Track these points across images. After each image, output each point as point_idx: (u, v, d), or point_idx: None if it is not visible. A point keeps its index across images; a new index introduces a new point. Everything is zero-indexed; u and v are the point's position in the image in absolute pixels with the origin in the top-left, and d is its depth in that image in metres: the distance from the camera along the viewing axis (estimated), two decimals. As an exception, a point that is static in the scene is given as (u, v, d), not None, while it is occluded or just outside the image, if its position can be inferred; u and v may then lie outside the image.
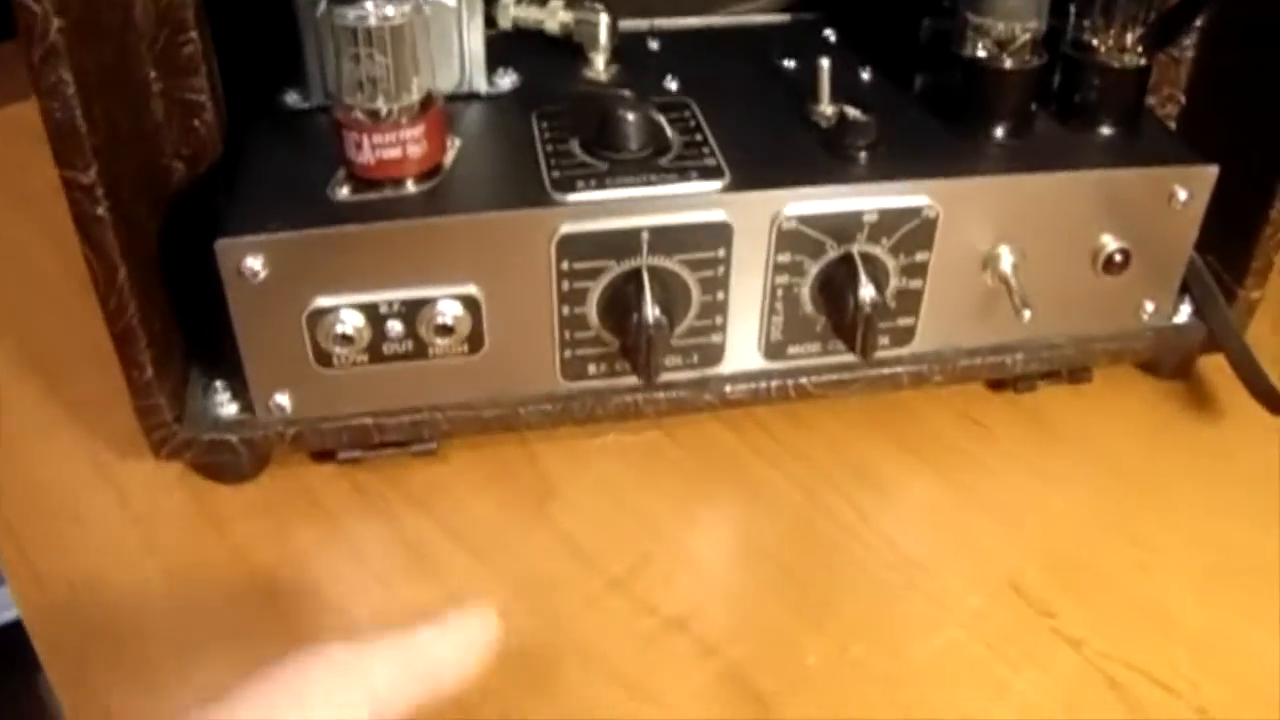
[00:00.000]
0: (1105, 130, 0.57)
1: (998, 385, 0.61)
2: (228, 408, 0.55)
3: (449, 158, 0.54)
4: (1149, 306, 0.59)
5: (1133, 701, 0.50)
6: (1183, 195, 0.56)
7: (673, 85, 0.59)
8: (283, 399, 0.54)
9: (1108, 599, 0.53)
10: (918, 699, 0.50)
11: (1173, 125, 0.63)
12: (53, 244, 0.70)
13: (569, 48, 0.62)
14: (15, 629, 1.07)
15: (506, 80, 0.59)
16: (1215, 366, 0.62)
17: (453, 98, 0.58)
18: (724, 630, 0.52)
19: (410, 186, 0.52)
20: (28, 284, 0.69)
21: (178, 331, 0.56)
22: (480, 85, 0.58)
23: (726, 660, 0.51)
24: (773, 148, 0.55)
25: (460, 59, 0.58)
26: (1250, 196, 0.58)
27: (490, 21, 0.60)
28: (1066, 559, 0.55)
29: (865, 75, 0.61)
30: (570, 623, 0.52)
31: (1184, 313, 0.61)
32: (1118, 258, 0.56)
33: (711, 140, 0.55)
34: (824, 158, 0.54)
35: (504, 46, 0.60)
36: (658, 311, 0.52)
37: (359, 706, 0.46)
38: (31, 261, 0.70)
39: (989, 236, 0.55)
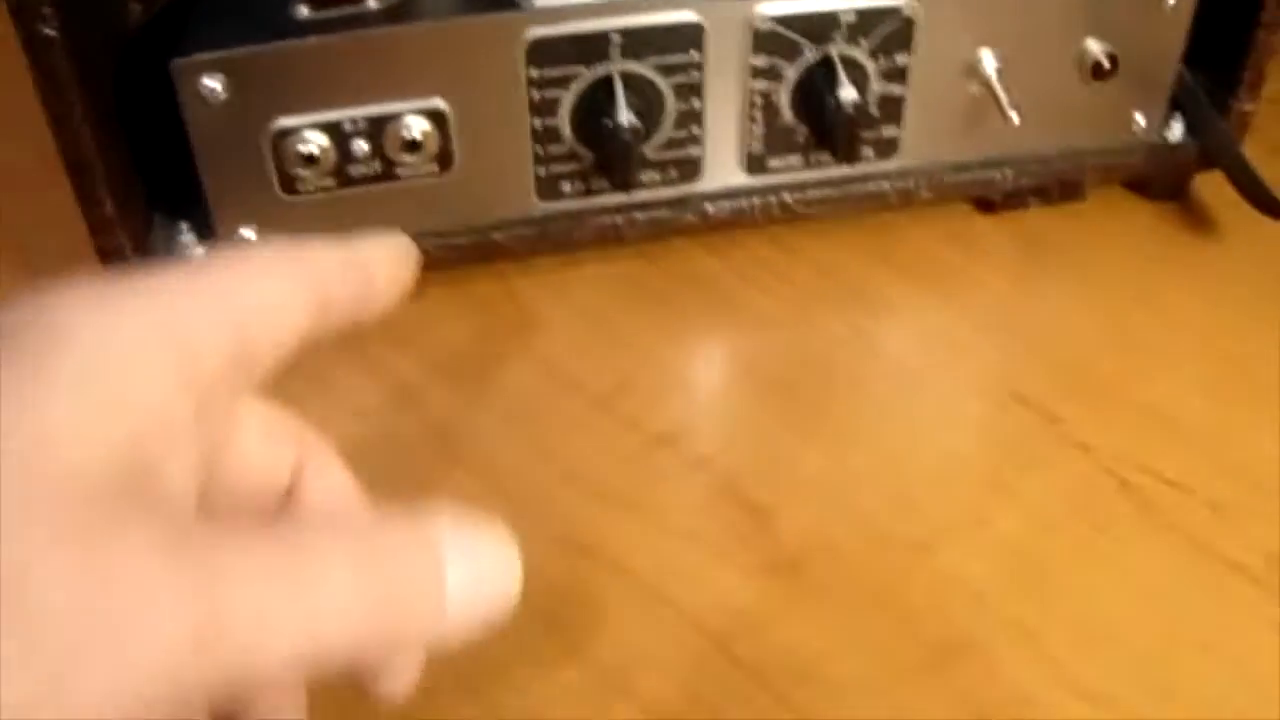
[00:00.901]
0: (1087, -74, 0.56)
1: (986, 207, 0.59)
2: (194, 248, 0.53)
3: (411, -30, 0.52)
4: (1140, 119, 0.57)
5: (1144, 500, 0.48)
6: (1171, -4, 0.54)
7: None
8: (249, 232, 0.52)
9: (1114, 405, 0.51)
10: (921, 504, 0.48)
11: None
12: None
13: None
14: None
15: (466, -98, 0.58)
16: (1209, 188, 0.60)
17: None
18: (714, 444, 0.50)
19: (371, 1, 0.50)
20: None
21: (138, 176, 0.54)
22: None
23: (718, 472, 0.49)
24: (744, -52, 0.54)
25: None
26: (1239, 5, 0.56)
27: None
28: (1069, 368, 0.53)
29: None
30: (556, 444, 0.50)
31: (1176, 130, 0.59)
32: (1105, 63, 0.54)
33: (681, -57, 0.53)
34: (799, -44, 0.53)
35: None
36: (632, 116, 0.50)
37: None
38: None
39: (970, 39, 0.53)
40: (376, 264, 0.37)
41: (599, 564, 0.46)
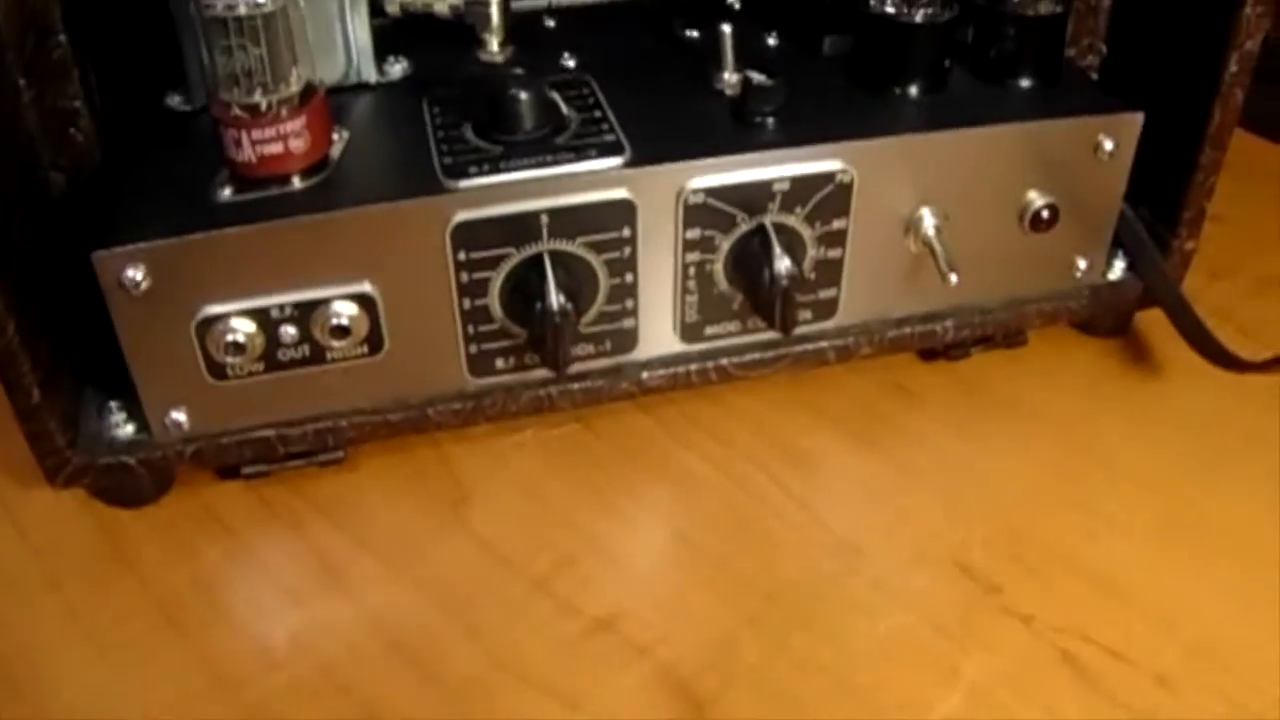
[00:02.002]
0: (1024, 83, 0.55)
1: (929, 355, 0.59)
2: (124, 428, 0.53)
3: (336, 150, 0.51)
4: (1081, 264, 0.57)
5: (1088, 675, 0.47)
6: (1109, 145, 0.53)
7: (571, 63, 0.57)
8: (179, 415, 0.51)
9: (1055, 570, 0.51)
10: (864, 687, 0.47)
11: (1095, 76, 0.61)
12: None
13: (462, 31, 0.59)
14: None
15: (397, 68, 0.57)
16: (1152, 320, 0.60)
17: (341, 89, 0.55)
18: (654, 629, 0.49)
19: (296, 183, 0.49)
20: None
21: (66, 352, 0.53)
22: (369, 75, 0.56)
23: (659, 661, 0.48)
24: (676, 120, 0.53)
25: (346, 49, 0.55)
26: (1177, 145, 0.56)
27: (377, 10, 0.57)
28: (1010, 530, 0.52)
29: (771, 41, 0.59)
30: (493, 631, 0.49)
31: (1118, 268, 0.58)
32: (1045, 214, 0.54)
33: (611, 116, 0.52)
34: (730, 127, 0.52)
35: (394, 34, 0.58)
36: (562, 298, 0.49)
37: None
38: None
39: (909, 199, 0.53)
40: None
41: (534, 762, 0.46)
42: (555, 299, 0.49)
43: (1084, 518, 0.53)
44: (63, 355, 0.53)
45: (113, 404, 0.53)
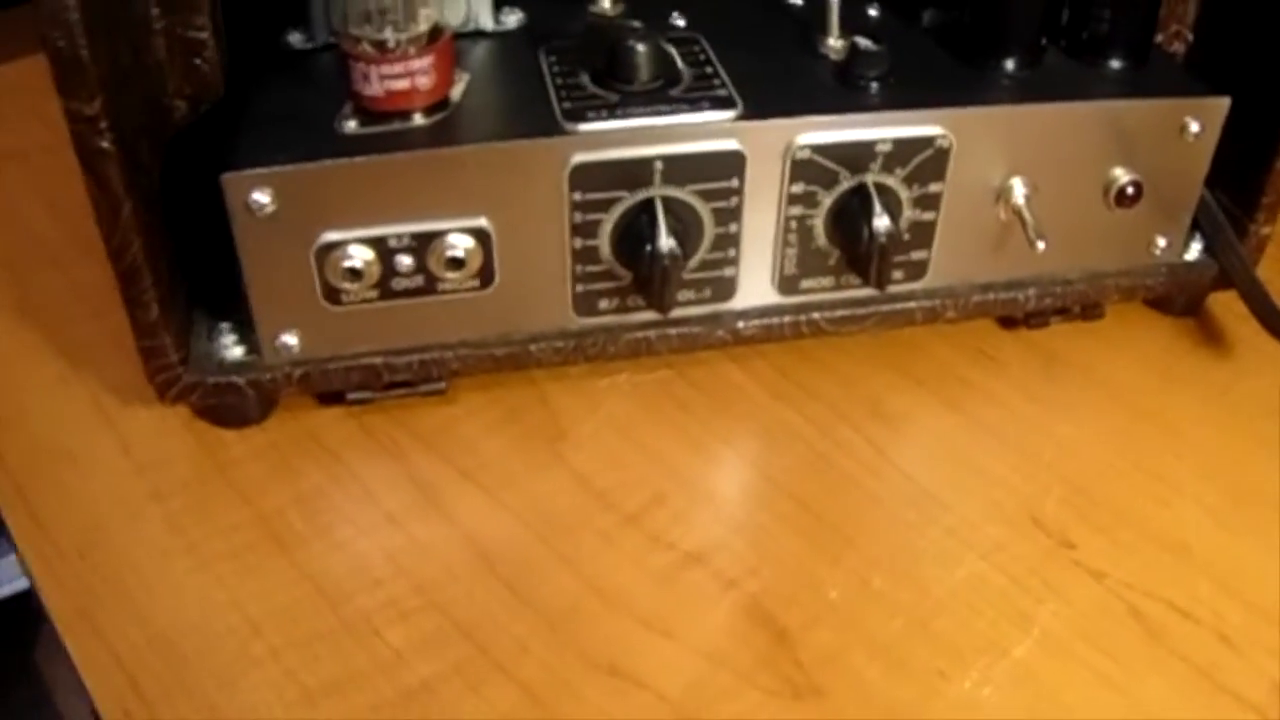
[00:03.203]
0: (1115, 64, 0.56)
1: (1009, 323, 0.61)
2: (233, 350, 0.54)
3: (457, 91, 0.53)
4: (1161, 242, 0.59)
5: (1156, 630, 0.49)
6: (1194, 127, 0.55)
7: (680, 22, 0.59)
8: (290, 339, 0.53)
9: (1126, 531, 0.53)
10: (942, 629, 0.49)
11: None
12: (42, 200, 0.69)
13: (576, -14, 0.61)
14: (11, 603, 1.06)
15: (512, 18, 0.58)
16: (1225, 303, 0.62)
17: (459, 36, 0.57)
18: (743, 564, 0.51)
19: (418, 119, 0.51)
20: (19, 239, 0.68)
21: (181, 275, 0.55)
22: (486, 23, 0.58)
23: (747, 593, 0.50)
24: (783, 80, 0.55)
25: (465, -5, 0.57)
26: (1258, 132, 0.57)
27: (494, -40, 0.60)
28: (1083, 492, 0.54)
29: (873, 11, 0.60)
30: (587, 560, 0.51)
31: (1195, 249, 0.60)
32: (1130, 190, 0.56)
33: (722, 72, 0.54)
34: (836, 88, 0.54)
35: (510, -16, 0.60)
36: (672, 242, 0.51)
37: None
38: (21, 216, 0.69)
39: (1001, 168, 0.55)
40: None
41: (628, 683, 0.47)
42: (665, 242, 0.51)
43: (1154, 485, 0.55)
44: (178, 277, 0.55)
45: (223, 326, 0.55)
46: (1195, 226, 0.60)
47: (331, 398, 0.57)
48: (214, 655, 0.48)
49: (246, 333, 0.54)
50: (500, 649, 0.48)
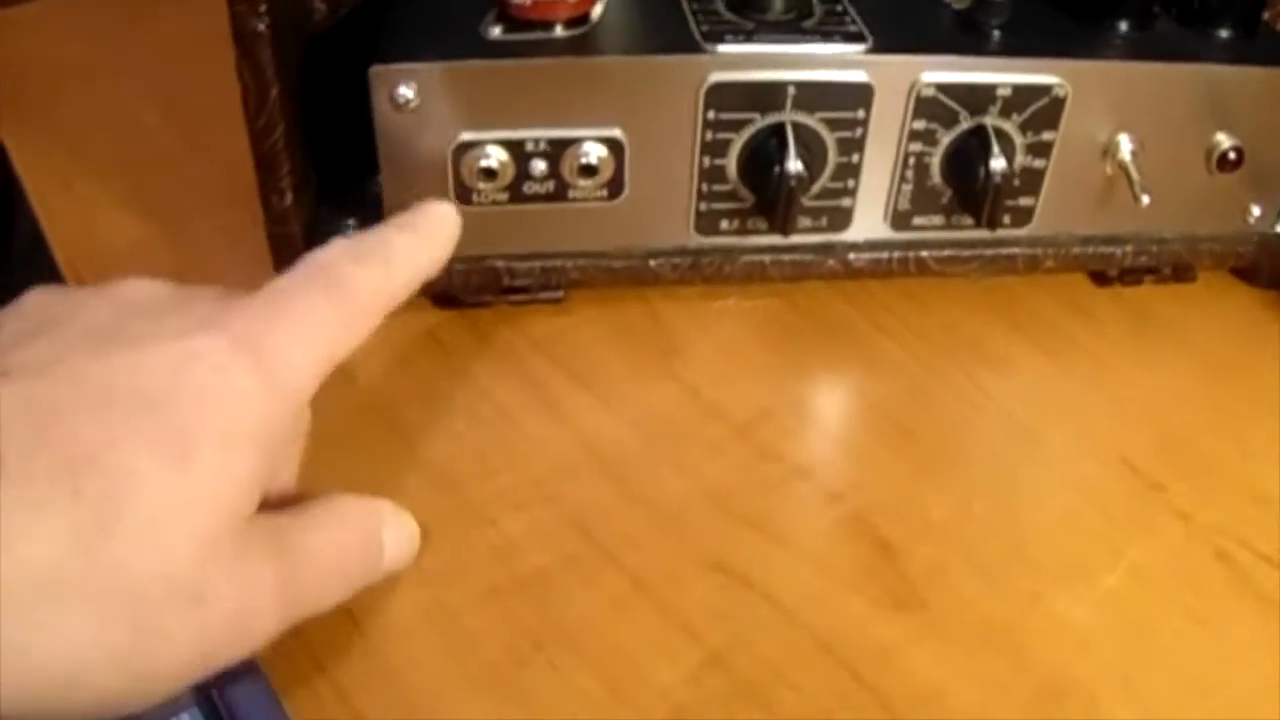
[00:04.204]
0: (1223, 33, 0.58)
1: (1102, 281, 0.63)
2: (359, 245, 0.56)
3: (597, 11, 0.55)
4: (1255, 210, 0.60)
5: (1239, 571, 0.51)
6: (1299, 98, 0.58)
7: (808, -37, 0.61)
8: (417, 234, 0.55)
9: (1214, 480, 0.54)
10: (1037, 556, 0.51)
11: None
12: (156, 105, 0.71)
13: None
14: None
15: (649, -52, 0.60)
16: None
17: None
18: (848, 480, 0.53)
19: (559, 30, 0.53)
20: (131, 140, 0.69)
21: (313, 170, 0.57)
22: (623, -50, 0.60)
23: (852, 508, 0.52)
24: (910, 22, 0.56)
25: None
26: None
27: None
28: (1172, 440, 0.56)
29: (991, -31, 0.62)
30: (696, 465, 0.53)
31: (1287, 222, 0.63)
32: (1232, 155, 0.58)
33: (851, 10, 0.56)
34: (960, 33, 0.56)
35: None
36: (800, 165, 0.53)
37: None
38: (134, 120, 0.71)
39: (1111, 123, 0.56)
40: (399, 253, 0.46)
41: (736, 581, 0.49)
42: (794, 164, 0.53)
43: (1241, 440, 0.56)
44: (310, 175, 0.56)
45: (350, 222, 0.56)
46: (1288, 200, 0.62)
47: (448, 301, 0.58)
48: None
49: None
50: (611, 542, 0.50)
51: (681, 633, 0.47)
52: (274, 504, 0.41)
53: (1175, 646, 0.48)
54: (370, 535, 0.44)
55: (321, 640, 0.46)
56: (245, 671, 0.41)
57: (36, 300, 0.43)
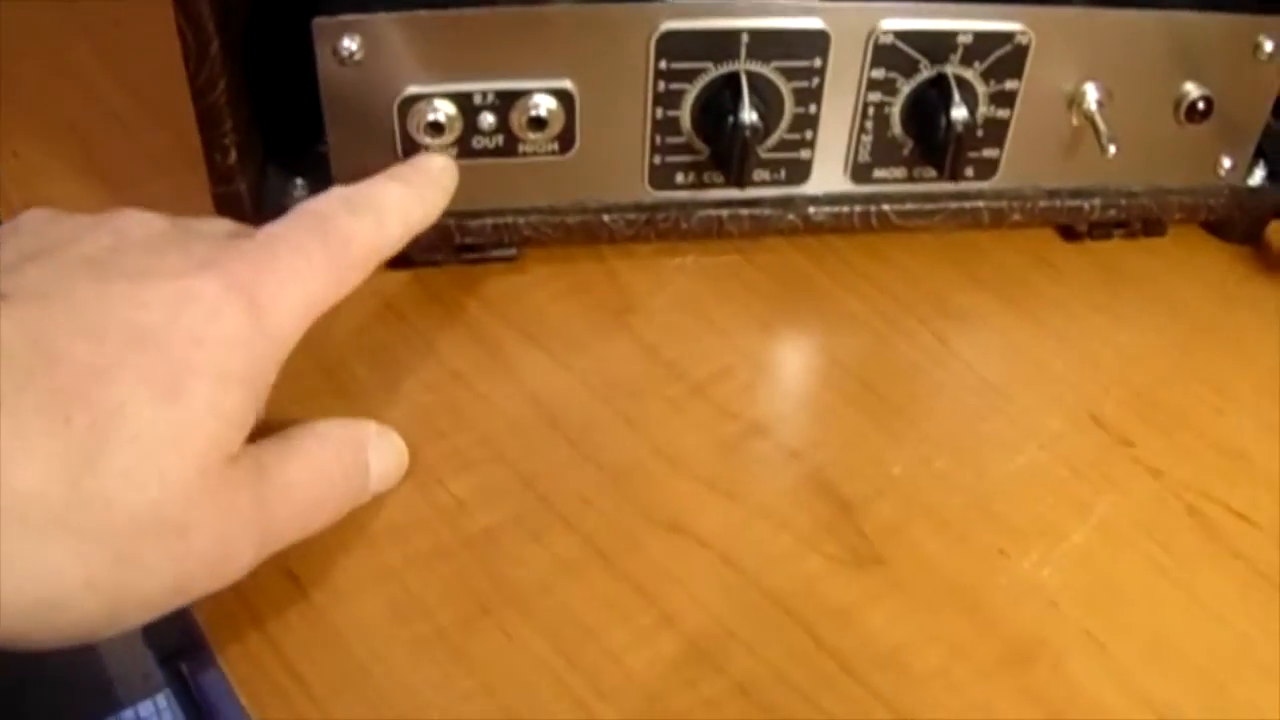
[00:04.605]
0: (1193, -18, 0.58)
1: (1071, 235, 0.61)
2: (305, 203, 0.55)
3: (545, -42, 0.54)
4: (1226, 163, 0.59)
5: (1211, 528, 0.50)
6: (1269, 46, 0.56)
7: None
8: (366, 193, 0.54)
9: (1184, 435, 0.53)
10: (1003, 511, 0.49)
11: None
12: (111, 71, 0.69)
13: None
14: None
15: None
16: (1284, 234, 0.63)
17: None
18: (807, 437, 0.52)
19: (509, -23, 0.52)
20: (86, 105, 0.68)
21: (260, 133, 0.55)
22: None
23: (811, 465, 0.51)
24: (869, -33, 0.55)
25: None
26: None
27: None
28: (1142, 395, 0.55)
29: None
30: (652, 423, 0.52)
31: (1258, 175, 0.61)
32: (1200, 105, 0.56)
33: (808, -44, 0.55)
34: (920, -21, 0.55)
35: None
36: (755, 115, 0.52)
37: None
38: (89, 85, 0.69)
39: (1076, 72, 0.55)
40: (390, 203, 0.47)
41: (691, 541, 0.48)
42: (748, 114, 0.52)
43: (1213, 394, 0.55)
44: (256, 133, 0.55)
45: (298, 181, 0.55)
46: (1260, 154, 0.60)
47: (399, 262, 0.56)
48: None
49: (321, 188, 0.54)
50: (563, 501, 0.49)
51: (635, 594, 0.46)
52: (251, 436, 0.42)
53: (1146, 604, 0.47)
54: (354, 460, 0.45)
55: (264, 603, 0.45)
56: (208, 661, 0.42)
57: (35, 220, 0.43)
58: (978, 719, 0.43)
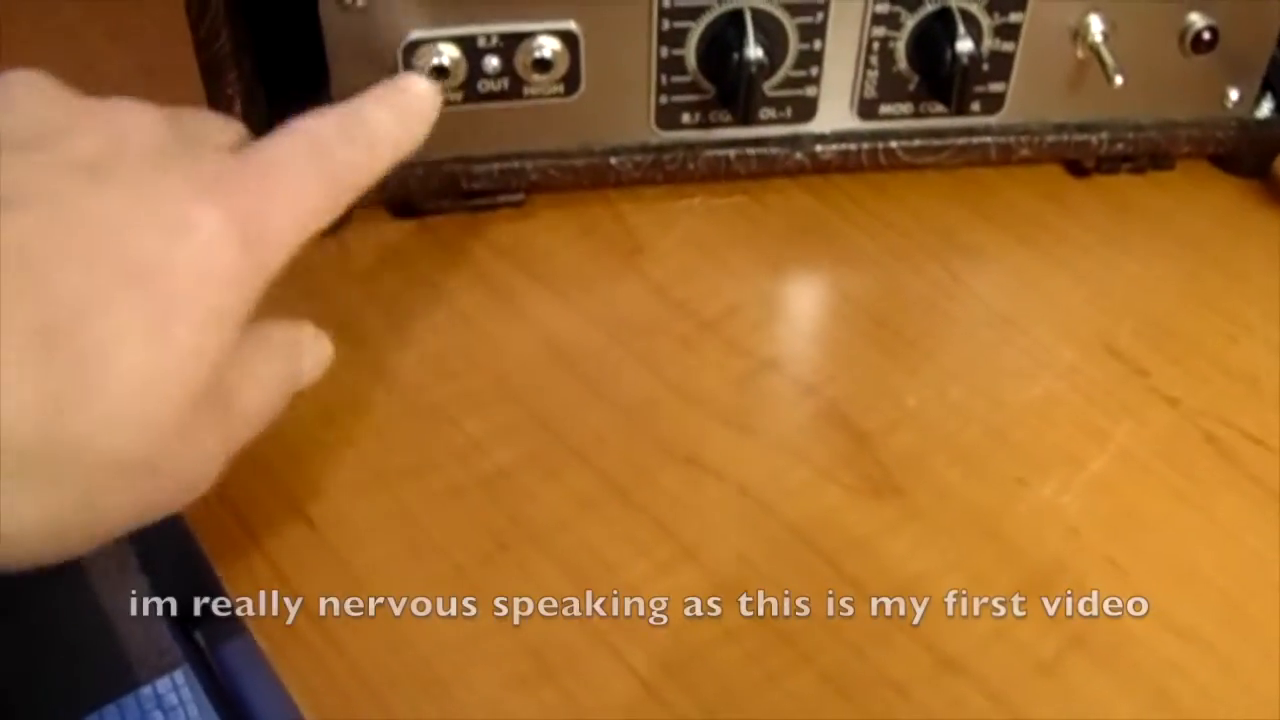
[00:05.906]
0: (1196, -94, 0.57)
1: (1079, 171, 0.61)
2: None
3: (546, -102, 0.53)
4: (1233, 94, 0.59)
5: (1228, 453, 0.49)
6: (1273, -25, 0.56)
7: None
8: (370, 140, 0.53)
9: (1199, 363, 0.53)
10: (1020, 440, 0.49)
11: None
12: (103, 29, 0.69)
13: None
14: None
15: None
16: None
17: None
18: (821, 372, 0.52)
19: (510, -81, 0.52)
20: (80, 68, 0.67)
21: (264, 86, 0.55)
22: None
23: (825, 398, 0.50)
24: (871, -101, 0.55)
25: None
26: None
27: None
28: (1155, 324, 0.54)
29: None
30: (665, 361, 0.51)
31: (1266, 108, 0.60)
32: (1206, 35, 0.56)
33: (810, -110, 0.55)
34: (922, -90, 0.55)
35: None
36: (759, 51, 0.52)
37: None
38: (82, 46, 0.69)
39: (1080, 4, 0.55)
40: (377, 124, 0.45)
41: (708, 474, 0.47)
42: (753, 51, 0.51)
43: (1225, 323, 0.55)
44: (259, 84, 0.55)
45: (302, 130, 0.55)
46: (1268, 87, 0.60)
47: (406, 210, 0.57)
48: (282, 438, 0.47)
49: (325, 139, 0.54)
50: (577, 438, 0.48)
51: (653, 527, 0.46)
52: None
53: (1165, 530, 0.47)
54: (294, 367, 0.44)
55: (280, 547, 0.45)
56: (234, 629, 0.41)
57: (25, 95, 0.40)
58: (999, 646, 0.43)
